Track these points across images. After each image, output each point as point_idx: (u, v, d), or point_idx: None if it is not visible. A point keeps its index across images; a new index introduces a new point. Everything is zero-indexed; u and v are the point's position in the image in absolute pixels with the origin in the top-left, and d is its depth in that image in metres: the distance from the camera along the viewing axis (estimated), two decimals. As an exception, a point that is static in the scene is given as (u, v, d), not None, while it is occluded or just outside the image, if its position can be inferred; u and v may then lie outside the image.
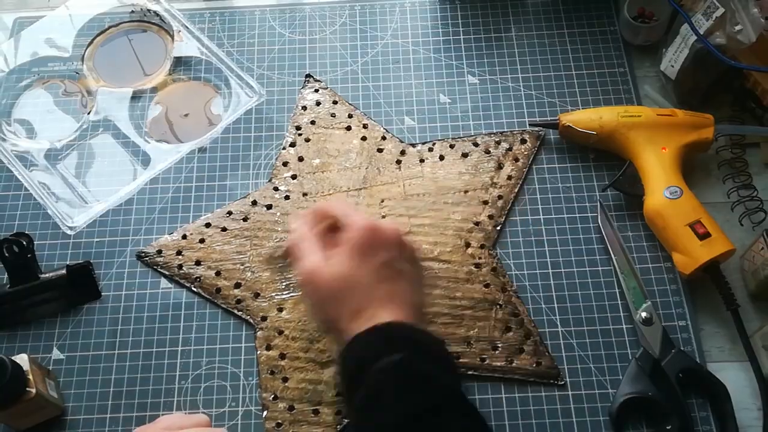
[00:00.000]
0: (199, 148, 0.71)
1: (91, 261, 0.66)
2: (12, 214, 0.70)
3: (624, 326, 0.62)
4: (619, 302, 0.63)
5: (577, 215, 0.67)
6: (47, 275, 0.64)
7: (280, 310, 0.63)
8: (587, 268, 0.64)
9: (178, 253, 0.66)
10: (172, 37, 0.77)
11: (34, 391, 0.56)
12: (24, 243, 0.64)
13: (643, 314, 0.61)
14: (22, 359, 0.57)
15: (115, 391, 0.61)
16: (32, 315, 0.64)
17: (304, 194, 0.69)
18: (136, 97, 0.75)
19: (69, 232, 0.66)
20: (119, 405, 0.61)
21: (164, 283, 0.66)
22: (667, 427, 0.57)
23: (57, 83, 0.77)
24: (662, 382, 0.58)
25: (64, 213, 0.66)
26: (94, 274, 0.66)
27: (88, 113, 0.74)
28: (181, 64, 0.76)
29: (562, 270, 0.64)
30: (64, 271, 0.65)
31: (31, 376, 0.56)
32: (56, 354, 0.63)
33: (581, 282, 0.64)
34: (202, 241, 0.67)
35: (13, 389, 0.55)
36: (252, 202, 0.69)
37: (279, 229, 0.67)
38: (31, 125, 0.74)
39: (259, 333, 0.63)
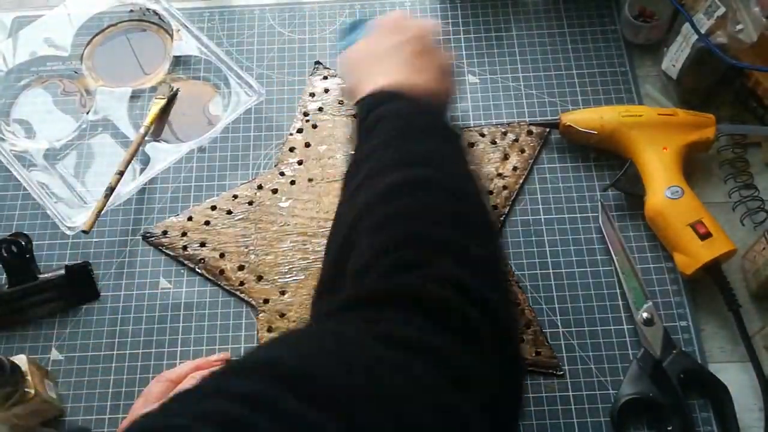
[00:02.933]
0: (198, 148, 0.71)
1: (90, 261, 0.66)
2: (11, 214, 0.69)
3: (625, 326, 0.62)
4: (620, 302, 0.63)
5: (578, 215, 0.67)
6: (46, 275, 0.64)
7: (283, 293, 0.64)
8: (588, 268, 0.64)
9: (183, 234, 0.67)
10: (171, 36, 0.76)
11: (32, 391, 0.56)
12: (22, 243, 0.64)
13: (644, 314, 0.61)
14: (21, 360, 0.57)
15: (114, 391, 0.61)
16: (31, 315, 0.64)
17: (310, 180, 0.69)
18: (135, 96, 0.74)
19: (68, 232, 0.65)
20: (118, 405, 0.60)
21: (164, 283, 0.65)
22: (669, 428, 0.56)
23: (56, 83, 0.76)
24: (663, 383, 0.58)
25: (63, 213, 0.66)
26: (93, 274, 0.66)
27: (87, 113, 0.74)
28: (180, 63, 0.76)
29: (563, 270, 0.64)
30: (62, 272, 0.64)
31: (29, 377, 0.56)
32: (55, 355, 0.63)
33: (582, 282, 0.64)
34: (207, 223, 0.67)
35: (12, 390, 0.55)
36: (258, 186, 0.69)
37: (284, 213, 0.67)
38: (29, 125, 0.74)
39: (261, 315, 0.63)
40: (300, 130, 0.72)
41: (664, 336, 0.60)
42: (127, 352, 0.62)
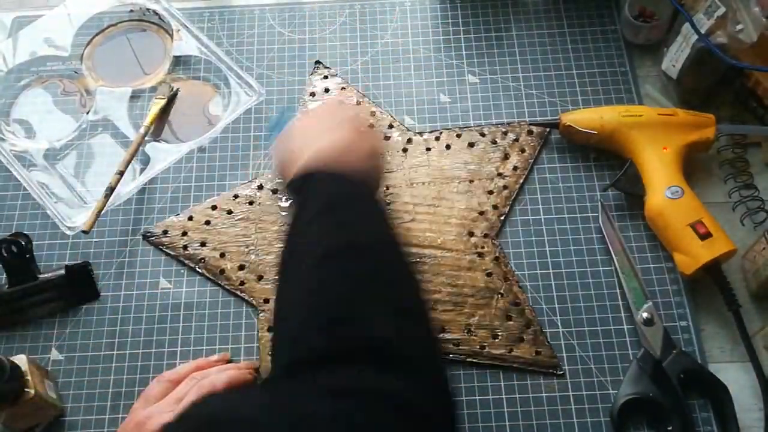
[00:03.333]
0: (198, 148, 0.71)
1: (90, 261, 0.66)
2: (11, 214, 0.69)
3: (625, 326, 0.62)
4: (620, 302, 0.63)
5: (578, 215, 0.67)
6: (46, 275, 0.64)
7: None
8: (588, 268, 0.64)
9: (184, 233, 0.67)
10: (171, 36, 0.76)
11: (32, 391, 0.56)
12: (22, 243, 0.63)
13: (644, 314, 0.61)
14: (21, 360, 0.57)
15: (114, 391, 0.61)
16: (31, 315, 0.64)
17: None
18: (135, 96, 0.74)
19: (68, 232, 0.65)
20: (118, 405, 0.60)
21: (164, 283, 0.65)
22: (668, 428, 0.56)
23: (56, 83, 0.76)
24: (663, 383, 0.58)
25: (63, 213, 0.66)
26: (93, 274, 0.66)
27: (87, 113, 0.74)
28: (180, 63, 0.76)
29: (563, 270, 0.64)
30: (62, 271, 0.64)
31: (29, 377, 0.56)
32: (55, 355, 0.63)
33: (582, 282, 0.64)
34: (207, 222, 0.67)
35: (12, 390, 0.55)
36: (258, 186, 0.69)
37: (284, 213, 0.67)
38: (30, 125, 0.74)
39: (261, 315, 0.63)
40: (300, 130, 0.72)
41: (664, 336, 0.60)
42: (127, 352, 0.62)
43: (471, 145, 0.70)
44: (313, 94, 0.74)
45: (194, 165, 0.71)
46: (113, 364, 0.62)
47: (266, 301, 0.64)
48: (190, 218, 0.68)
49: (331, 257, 0.43)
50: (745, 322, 0.60)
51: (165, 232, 0.67)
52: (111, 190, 0.66)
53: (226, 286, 0.65)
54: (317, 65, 0.76)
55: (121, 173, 0.67)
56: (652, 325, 0.60)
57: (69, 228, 0.65)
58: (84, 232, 0.64)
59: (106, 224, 0.68)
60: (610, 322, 0.62)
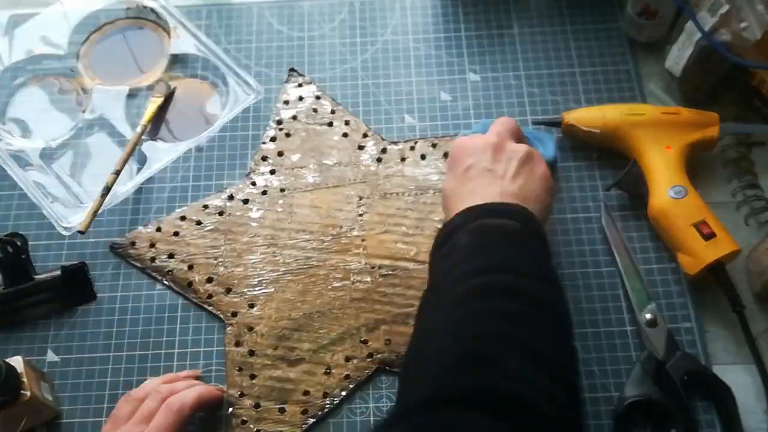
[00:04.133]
0: (196, 147, 0.70)
1: (87, 262, 0.66)
2: (6, 214, 0.69)
3: (628, 328, 0.61)
4: (623, 303, 0.62)
5: (581, 215, 0.66)
6: (42, 276, 0.64)
7: (252, 306, 0.63)
8: (590, 269, 0.64)
9: (152, 245, 0.66)
10: (169, 34, 0.76)
11: (28, 393, 0.55)
12: (18, 243, 0.63)
13: (648, 315, 0.60)
14: (17, 361, 0.56)
15: (110, 393, 0.60)
16: (26, 316, 0.63)
17: (282, 190, 0.68)
18: (132, 95, 0.74)
19: (64, 232, 0.65)
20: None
21: (160, 285, 0.65)
22: (672, 431, 0.56)
23: (52, 81, 0.76)
24: (667, 385, 0.57)
25: (59, 213, 0.65)
26: (90, 275, 0.65)
27: (84, 112, 0.73)
28: (177, 61, 0.75)
29: (565, 270, 0.64)
30: (58, 272, 0.64)
31: (25, 379, 0.56)
32: (51, 356, 0.62)
33: (584, 283, 0.63)
34: (176, 234, 0.66)
35: (7, 392, 0.54)
36: (228, 196, 0.68)
37: (254, 224, 0.66)
38: (25, 124, 0.73)
39: (228, 329, 0.62)
40: (273, 139, 0.71)
41: (667, 337, 0.59)
42: (124, 354, 0.62)
43: (446, 154, 0.68)
44: (287, 102, 0.72)
45: (192, 164, 0.70)
46: (110, 366, 0.61)
47: (234, 314, 0.62)
48: (159, 229, 0.66)
49: (480, 294, 0.44)
50: (749, 323, 0.59)
51: (133, 244, 0.66)
52: (107, 189, 0.65)
53: (193, 299, 0.63)
54: (292, 73, 0.74)
55: (118, 173, 0.66)
56: (656, 326, 0.60)
57: (65, 228, 0.65)
58: (80, 232, 0.63)
59: (102, 224, 0.67)
60: (612, 323, 0.61)
